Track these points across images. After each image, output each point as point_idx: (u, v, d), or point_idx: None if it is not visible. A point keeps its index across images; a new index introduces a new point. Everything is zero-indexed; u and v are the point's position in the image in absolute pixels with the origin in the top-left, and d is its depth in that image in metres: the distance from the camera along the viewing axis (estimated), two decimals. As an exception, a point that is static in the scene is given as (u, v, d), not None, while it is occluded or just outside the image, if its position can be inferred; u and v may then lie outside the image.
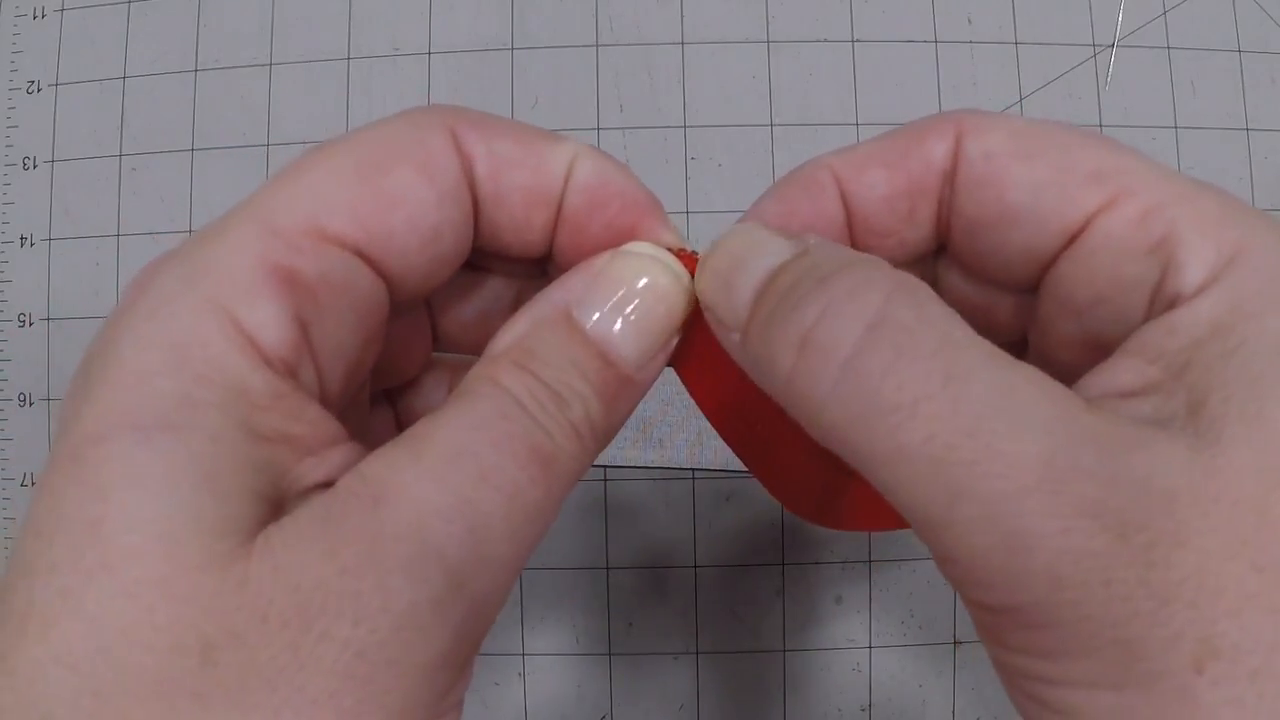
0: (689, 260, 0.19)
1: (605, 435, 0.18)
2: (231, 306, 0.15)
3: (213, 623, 0.14)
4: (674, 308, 0.19)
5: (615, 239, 0.19)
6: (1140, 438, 0.14)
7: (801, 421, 0.16)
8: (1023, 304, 0.20)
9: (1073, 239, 0.17)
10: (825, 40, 0.43)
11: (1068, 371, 0.19)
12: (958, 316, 0.15)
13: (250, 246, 0.16)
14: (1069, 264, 0.17)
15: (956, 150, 0.18)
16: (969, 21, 0.43)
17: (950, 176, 0.18)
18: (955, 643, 0.41)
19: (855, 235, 0.20)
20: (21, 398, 0.43)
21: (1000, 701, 0.41)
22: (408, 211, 0.17)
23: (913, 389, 0.14)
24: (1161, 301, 0.16)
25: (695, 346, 0.19)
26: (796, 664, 0.41)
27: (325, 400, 0.17)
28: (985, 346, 0.15)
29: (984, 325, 0.20)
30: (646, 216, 0.19)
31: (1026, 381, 0.15)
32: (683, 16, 0.43)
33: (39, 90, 0.44)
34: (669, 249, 0.19)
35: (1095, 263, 0.17)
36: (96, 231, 0.43)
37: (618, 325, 0.18)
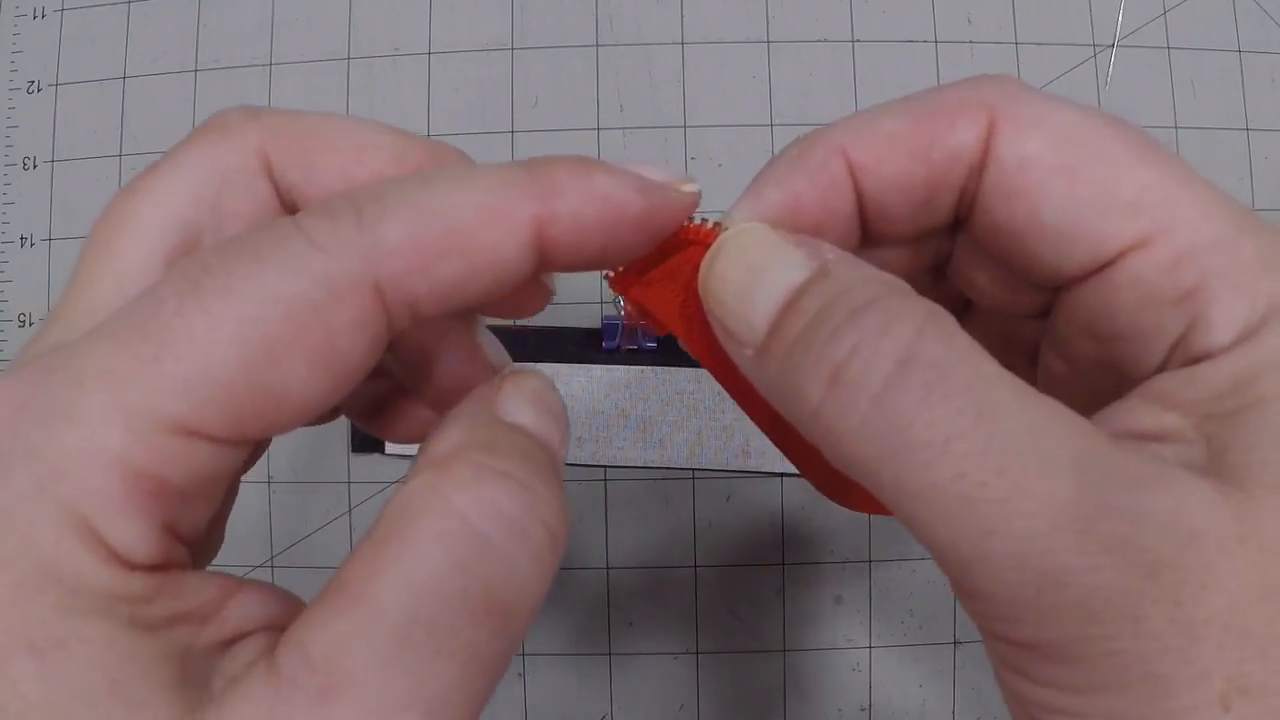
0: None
1: (563, 533, 0.16)
2: (94, 522, 0.14)
3: None
4: (555, 401, 0.19)
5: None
6: (1167, 477, 0.14)
7: (823, 450, 0.16)
8: (1036, 297, 0.19)
9: (1101, 267, 0.17)
10: (825, 40, 0.43)
11: (1069, 373, 0.19)
12: (982, 349, 0.15)
13: (108, 447, 0.14)
14: (1092, 292, 0.17)
15: (988, 141, 0.17)
16: (969, 21, 0.43)
17: (978, 169, 0.17)
18: (955, 643, 0.41)
19: (867, 219, 0.19)
20: (21, 398, 0.43)
21: (1000, 702, 0.41)
22: (295, 407, 0.15)
23: (944, 427, 0.14)
24: (1184, 352, 0.16)
25: (698, 315, 0.19)
26: (796, 664, 0.41)
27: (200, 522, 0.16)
28: (1012, 381, 0.15)
29: (996, 306, 0.20)
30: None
31: (1054, 418, 0.15)
32: (683, 16, 0.43)
33: (39, 90, 0.44)
34: None
35: (1119, 300, 0.17)
36: (96, 231, 0.43)
37: (538, 415, 0.17)
